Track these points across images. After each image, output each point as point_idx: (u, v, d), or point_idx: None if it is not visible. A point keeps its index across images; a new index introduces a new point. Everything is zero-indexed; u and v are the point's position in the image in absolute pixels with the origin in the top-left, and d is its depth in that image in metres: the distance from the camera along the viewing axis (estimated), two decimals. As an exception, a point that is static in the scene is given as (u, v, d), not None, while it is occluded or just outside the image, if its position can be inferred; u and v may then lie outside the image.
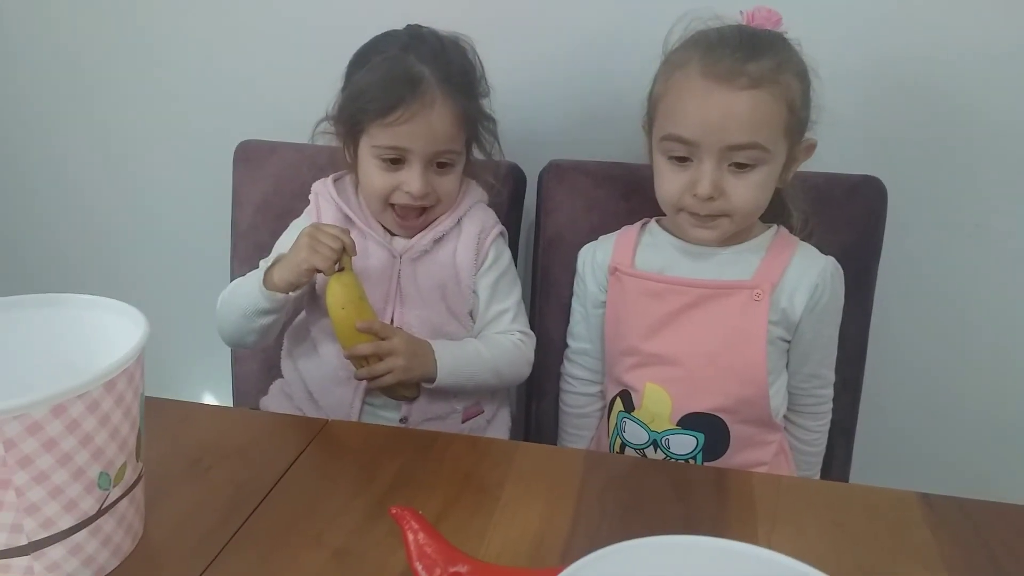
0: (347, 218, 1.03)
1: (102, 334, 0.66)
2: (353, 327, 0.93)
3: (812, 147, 0.94)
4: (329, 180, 1.06)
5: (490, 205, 1.09)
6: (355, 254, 0.94)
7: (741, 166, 0.88)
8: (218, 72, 1.35)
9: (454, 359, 0.98)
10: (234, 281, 1.04)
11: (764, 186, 0.90)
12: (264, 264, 1.06)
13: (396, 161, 0.96)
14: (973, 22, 1.08)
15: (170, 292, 1.50)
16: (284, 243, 1.06)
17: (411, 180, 0.96)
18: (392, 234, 1.04)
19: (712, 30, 0.90)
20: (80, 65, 1.40)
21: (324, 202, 1.04)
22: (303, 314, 1.08)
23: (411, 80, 0.93)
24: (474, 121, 1.01)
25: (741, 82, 0.85)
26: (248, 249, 1.22)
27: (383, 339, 0.93)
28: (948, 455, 1.28)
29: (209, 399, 1.58)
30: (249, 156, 1.24)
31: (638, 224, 1.03)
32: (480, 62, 1.02)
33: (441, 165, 0.98)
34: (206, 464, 0.75)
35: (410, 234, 1.03)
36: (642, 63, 0.96)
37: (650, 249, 1.00)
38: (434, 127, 0.94)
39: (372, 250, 1.02)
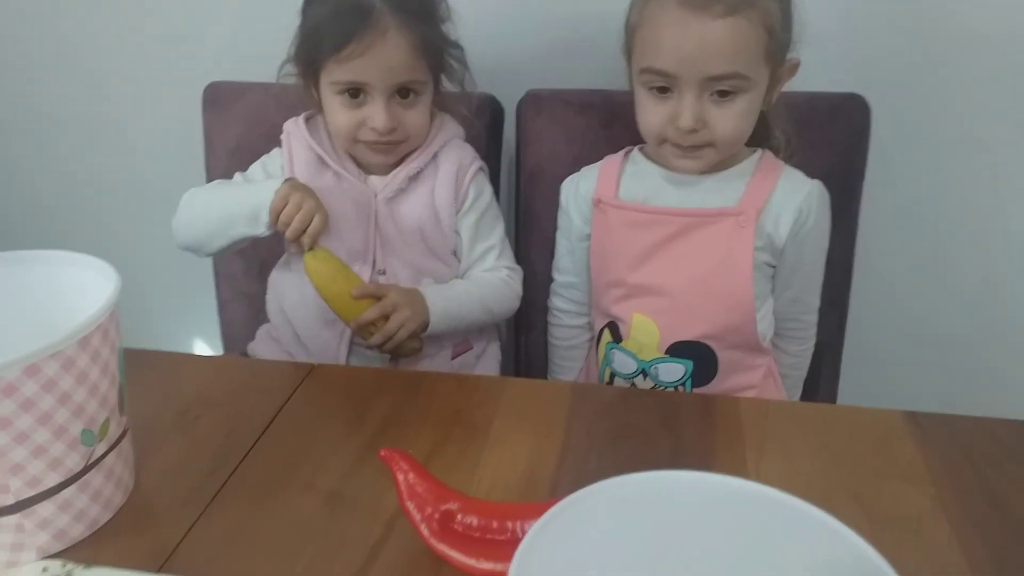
0: (319, 158, 1.00)
1: (76, 290, 0.64)
2: (349, 298, 0.92)
3: (795, 67, 0.92)
4: (300, 119, 1.03)
5: (468, 139, 1.07)
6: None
7: (723, 95, 0.86)
8: (184, 11, 1.29)
9: (445, 301, 0.97)
10: (210, 183, 1.00)
11: (747, 114, 0.88)
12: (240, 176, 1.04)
13: (356, 95, 0.93)
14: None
15: (148, 241, 1.47)
16: (257, 175, 1.04)
17: (374, 115, 0.93)
18: (367, 173, 1.02)
19: None
20: (46, 5, 1.34)
21: (296, 142, 1.02)
22: (285, 256, 1.06)
23: (361, 10, 0.89)
24: (436, 48, 0.97)
25: (717, 9, 0.82)
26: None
27: (380, 298, 0.92)
28: (934, 373, 1.30)
29: (199, 347, 1.57)
30: (218, 98, 1.21)
31: (621, 153, 1.01)
32: None
33: (405, 96, 0.95)
34: (194, 414, 0.75)
35: (385, 170, 1.01)
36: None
37: (634, 179, 0.98)
38: (390, 57, 0.91)
39: (347, 191, 1.00)
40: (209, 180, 1.21)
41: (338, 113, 0.95)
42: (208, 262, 1.22)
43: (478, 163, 1.04)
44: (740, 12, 0.82)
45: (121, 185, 1.47)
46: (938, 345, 1.28)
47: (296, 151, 1.01)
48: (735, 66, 0.84)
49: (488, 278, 1.03)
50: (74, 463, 0.58)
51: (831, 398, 1.14)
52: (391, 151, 0.98)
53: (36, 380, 0.53)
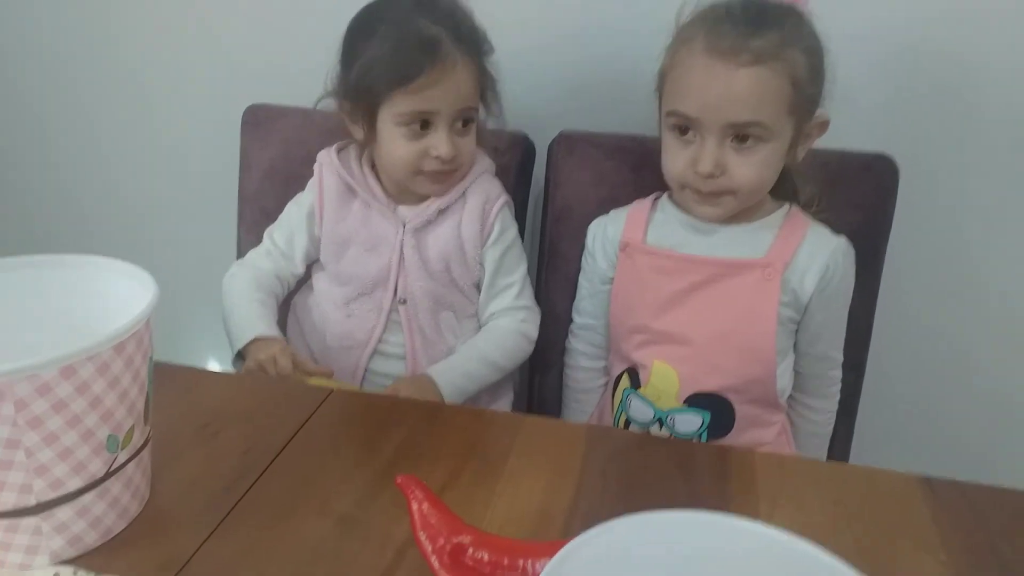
0: (349, 188, 1.03)
1: (112, 296, 0.66)
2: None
3: (825, 124, 0.93)
4: (332, 150, 1.05)
5: (498, 175, 1.09)
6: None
7: (743, 142, 0.87)
8: (227, 34, 1.33)
9: (455, 377, 0.99)
10: (230, 287, 1.04)
11: (768, 164, 0.89)
12: (269, 236, 1.08)
13: (420, 126, 0.95)
14: (993, -1, 1.06)
15: (178, 256, 1.49)
16: (291, 215, 1.07)
17: (439, 143, 0.95)
18: (395, 203, 1.03)
19: (720, 4, 0.89)
20: (93, 24, 1.38)
21: (327, 172, 1.04)
22: (309, 282, 1.08)
23: (429, 43, 0.92)
24: (485, 79, 1.00)
25: (743, 58, 0.84)
26: (255, 214, 1.22)
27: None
28: (951, 438, 1.28)
29: (216, 365, 1.58)
30: (257, 120, 1.23)
31: (650, 199, 1.02)
32: (481, 24, 1.00)
33: (461, 125, 0.97)
34: (213, 429, 0.76)
35: (415, 201, 1.03)
36: (656, 33, 0.94)
37: (662, 225, 0.99)
38: (458, 87, 0.94)
39: (375, 219, 1.02)
40: (241, 201, 1.24)
41: (400, 145, 0.96)
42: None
43: (505, 197, 1.06)
44: (766, 62, 0.84)
45: (159, 200, 1.50)
46: (956, 409, 1.27)
47: (327, 180, 1.04)
48: (757, 115, 0.85)
49: (502, 330, 1.05)
50: (96, 468, 0.58)
51: (844, 457, 1.13)
52: (448, 179, 1.00)
53: (71, 381, 0.54)
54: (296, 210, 1.07)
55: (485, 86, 1.00)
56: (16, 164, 1.55)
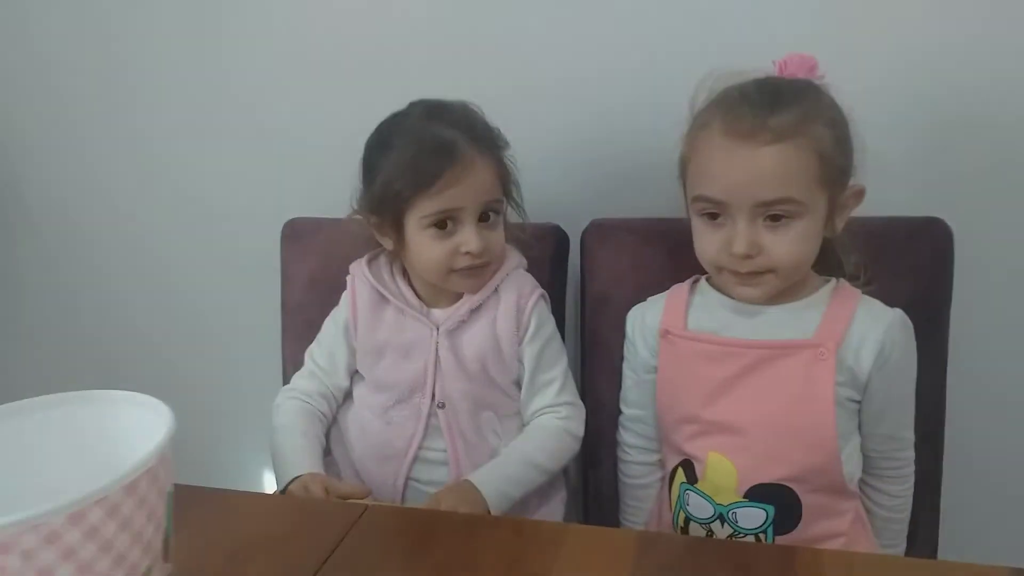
0: (381, 296, 1.03)
1: (137, 430, 0.65)
2: None
3: (861, 193, 0.89)
4: (363, 261, 1.06)
5: (532, 269, 1.07)
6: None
7: (776, 220, 0.84)
8: (263, 151, 1.37)
9: (499, 483, 0.95)
10: (275, 423, 1.04)
11: (805, 239, 0.86)
12: (310, 357, 1.09)
13: (445, 225, 0.96)
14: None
15: (225, 374, 1.51)
16: (328, 332, 1.08)
17: (468, 239, 0.95)
18: (428, 307, 1.03)
19: (734, 87, 0.88)
20: (128, 137, 1.43)
21: (359, 284, 1.05)
22: (350, 395, 1.08)
23: (446, 146, 0.94)
24: (505, 172, 1.01)
25: (764, 137, 0.82)
26: (299, 326, 1.22)
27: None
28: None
29: (268, 482, 1.57)
30: (296, 234, 1.26)
31: (688, 283, 0.99)
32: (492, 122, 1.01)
33: (486, 218, 0.98)
34: (243, 557, 0.73)
35: (449, 303, 1.02)
36: (679, 117, 0.93)
37: (702, 309, 0.95)
38: (478, 182, 0.95)
39: (409, 325, 1.01)
40: (284, 314, 1.25)
41: (429, 247, 0.97)
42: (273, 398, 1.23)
43: (539, 291, 1.04)
44: (787, 139, 0.82)
45: (195, 322, 1.52)
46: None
47: (359, 291, 1.04)
48: (785, 191, 0.82)
49: (545, 429, 1.01)
50: (113, 614, 0.56)
51: (931, 545, 1.03)
52: (481, 275, 1.00)
53: (79, 528, 0.52)
54: (332, 325, 1.08)
55: (506, 180, 1.01)
56: (46, 297, 1.58)
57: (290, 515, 0.81)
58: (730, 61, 0.89)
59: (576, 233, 1.14)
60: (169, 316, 1.53)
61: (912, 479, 0.94)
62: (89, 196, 1.50)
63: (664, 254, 1.06)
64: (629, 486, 1.04)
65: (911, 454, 0.94)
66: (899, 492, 0.94)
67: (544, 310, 1.04)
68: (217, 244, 1.45)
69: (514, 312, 1.01)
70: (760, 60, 0.89)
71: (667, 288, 1.00)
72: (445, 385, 1.00)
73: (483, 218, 0.97)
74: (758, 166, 0.82)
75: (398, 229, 0.98)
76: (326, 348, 1.08)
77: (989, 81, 1.04)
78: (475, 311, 1.01)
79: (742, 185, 0.83)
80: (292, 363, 1.22)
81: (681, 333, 0.94)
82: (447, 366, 1.00)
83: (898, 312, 0.89)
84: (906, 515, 0.96)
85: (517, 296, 1.01)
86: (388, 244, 1.02)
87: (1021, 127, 1.05)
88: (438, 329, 1.00)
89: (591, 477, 1.13)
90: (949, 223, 0.98)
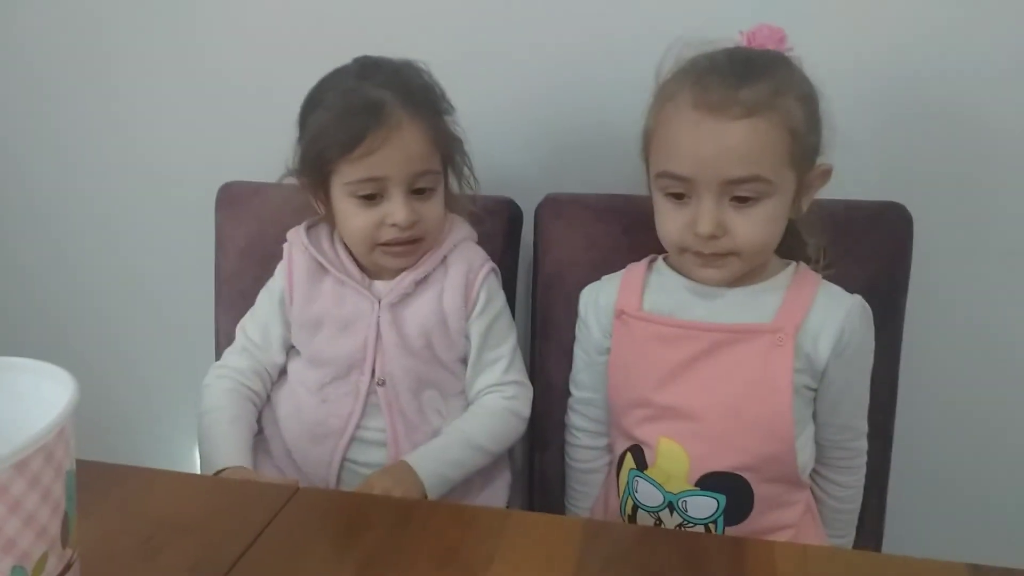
0: (320, 266, 0.97)
1: (38, 402, 0.58)
2: None
3: (828, 172, 0.86)
4: (302, 228, 1.00)
5: (484, 244, 1.02)
6: None
7: (743, 200, 0.81)
8: (199, 112, 1.29)
9: (437, 465, 0.90)
10: (204, 406, 0.97)
11: (772, 220, 0.83)
12: (243, 331, 1.02)
13: (373, 196, 0.90)
14: (998, 38, 1.01)
15: (155, 342, 1.43)
16: (262, 304, 1.02)
17: (395, 210, 0.90)
18: (371, 279, 0.97)
19: (703, 56, 0.84)
20: (56, 102, 1.35)
21: (297, 252, 0.99)
22: (285, 371, 1.02)
23: (372, 106, 0.87)
24: (446, 139, 0.95)
25: (734, 111, 0.78)
26: (233, 296, 1.16)
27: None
28: (995, 511, 1.18)
29: (187, 462, 1.50)
30: (232, 198, 1.19)
31: (644, 262, 0.95)
32: (438, 83, 0.96)
33: (420, 191, 0.92)
34: (158, 542, 0.67)
35: (391, 275, 0.96)
36: (640, 90, 0.89)
37: (659, 290, 0.92)
38: (407, 148, 0.88)
39: (348, 297, 0.95)
40: (218, 281, 1.18)
41: (354, 217, 0.91)
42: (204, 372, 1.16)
43: (489, 265, 0.99)
44: (759, 113, 0.78)
45: (126, 282, 1.44)
46: (1000, 478, 1.16)
47: (296, 260, 0.98)
48: (755, 169, 0.79)
49: (490, 409, 0.97)
50: (1, 606, 0.50)
51: (876, 538, 1.03)
52: (411, 252, 0.94)
53: (-41, 510, 0.46)
54: (267, 297, 1.01)
55: (448, 148, 0.95)
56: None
57: (213, 496, 0.75)
58: (695, 31, 0.85)
59: (530, 208, 1.09)
60: (101, 279, 1.44)
61: (864, 470, 0.93)
62: (23, 143, 1.40)
63: (620, 232, 1.02)
64: (576, 470, 1.01)
65: (864, 444, 0.92)
66: (850, 483, 0.92)
67: (494, 284, 1.00)
68: (154, 206, 1.37)
69: (462, 286, 0.96)
70: (726, 31, 0.85)
71: (622, 267, 0.97)
72: (386, 362, 0.95)
73: (418, 190, 0.92)
74: (728, 141, 0.78)
75: (326, 193, 0.93)
76: (260, 321, 1.01)
77: (959, 69, 1.03)
78: (420, 283, 0.96)
79: (710, 160, 0.79)
80: (225, 335, 1.16)
81: (636, 314, 0.90)
82: (389, 342, 0.95)
83: (858, 298, 0.87)
84: (856, 506, 0.94)
85: (467, 269, 0.97)
86: (320, 209, 0.96)
87: (987, 117, 1.04)
88: (380, 302, 0.95)
89: (537, 460, 1.10)
90: (910, 209, 0.96)
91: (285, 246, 1.01)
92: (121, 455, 0.81)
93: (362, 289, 0.96)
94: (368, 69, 0.91)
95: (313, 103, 0.92)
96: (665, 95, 0.84)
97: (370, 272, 0.98)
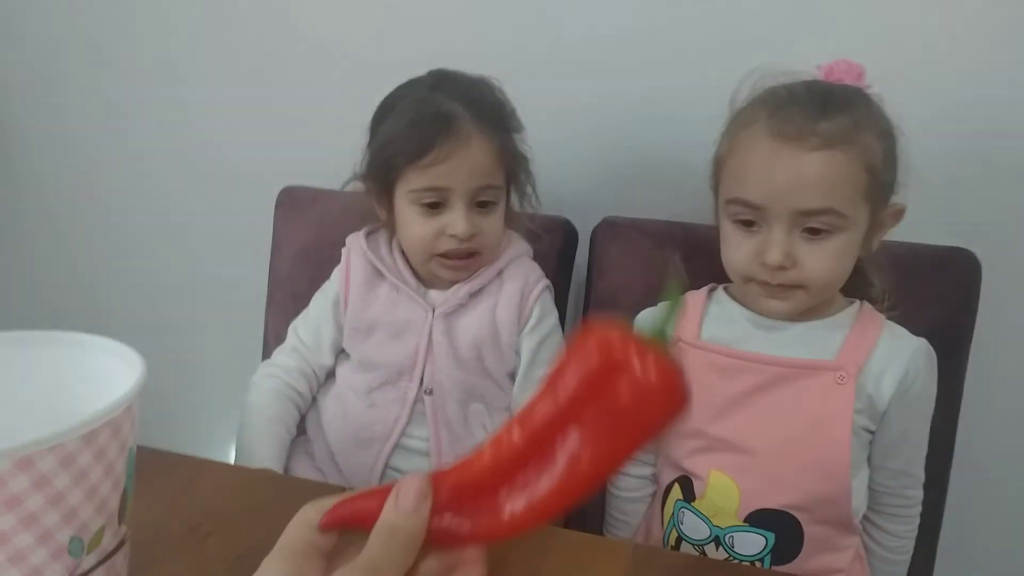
0: (377, 272, 0.97)
1: (104, 379, 0.59)
2: None
3: (900, 213, 0.85)
4: (361, 234, 1.01)
5: (537, 261, 1.02)
6: None
7: (815, 232, 0.79)
8: (264, 115, 1.32)
9: None
10: (250, 400, 0.98)
11: (843, 255, 0.81)
12: (294, 332, 1.02)
13: (436, 205, 0.91)
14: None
15: (204, 337, 1.45)
16: (316, 306, 1.02)
17: (455, 221, 0.90)
18: (427, 287, 0.98)
19: (782, 87, 0.83)
20: (122, 102, 1.39)
21: (355, 257, 0.99)
22: (333, 373, 1.02)
23: (443, 117, 0.89)
24: (512, 157, 0.95)
25: (812, 142, 0.77)
26: (285, 298, 1.17)
27: None
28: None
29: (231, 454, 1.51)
30: (292, 202, 1.20)
31: (704, 290, 0.94)
32: (509, 101, 0.96)
33: (482, 204, 0.92)
34: (205, 530, 0.67)
35: (447, 285, 0.97)
36: (705, 117, 0.89)
37: (718, 320, 0.90)
38: (473, 162, 0.89)
39: (403, 304, 0.96)
40: (271, 283, 1.19)
41: (415, 224, 0.92)
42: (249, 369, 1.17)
43: (545, 281, 0.99)
44: (837, 146, 0.77)
45: (181, 278, 1.46)
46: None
47: (354, 264, 0.99)
48: (829, 202, 0.78)
49: None
50: (55, 575, 0.50)
51: (925, 591, 0.99)
52: (467, 267, 0.95)
53: (28, 475, 0.46)
54: (321, 299, 1.02)
55: (513, 165, 0.96)
56: (39, 241, 1.53)
57: (262, 490, 0.75)
58: (770, 61, 0.85)
59: (586, 229, 1.09)
60: (158, 272, 1.47)
61: (917, 520, 0.90)
62: (92, 144, 1.44)
63: (678, 259, 1.01)
64: (619, 499, 0.98)
65: (920, 493, 0.89)
66: (903, 532, 0.89)
67: (548, 302, 0.99)
68: (216, 204, 1.39)
69: (517, 300, 0.96)
70: (803, 64, 0.85)
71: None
72: (435, 371, 0.94)
73: (480, 204, 0.92)
74: (803, 172, 0.77)
75: (389, 200, 0.94)
76: (312, 323, 1.02)
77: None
78: (475, 295, 0.96)
79: (784, 190, 0.78)
80: (273, 334, 1.17)
81: (694, 343, 0.89)
82: (440, 351, 0.94)
83: (923, 341, 0.85)
84: (907, 558, 0.91)
85: (522, 284, 0.97)
86: (382, 215, 0.97)
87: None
88: (434, 311, 0.95)
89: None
90: (978, 256, 0.94)
91: (344, 250, 1.01)
92: (160, 444, 0.82)
93: (417, 297, 0.96)
94: (442, 81, 0.93)
95: (386, 110, 0.94)
96: (741, 122, 0.84)
97: (426, 281, 0.98)
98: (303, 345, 1.01)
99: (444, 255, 0.93)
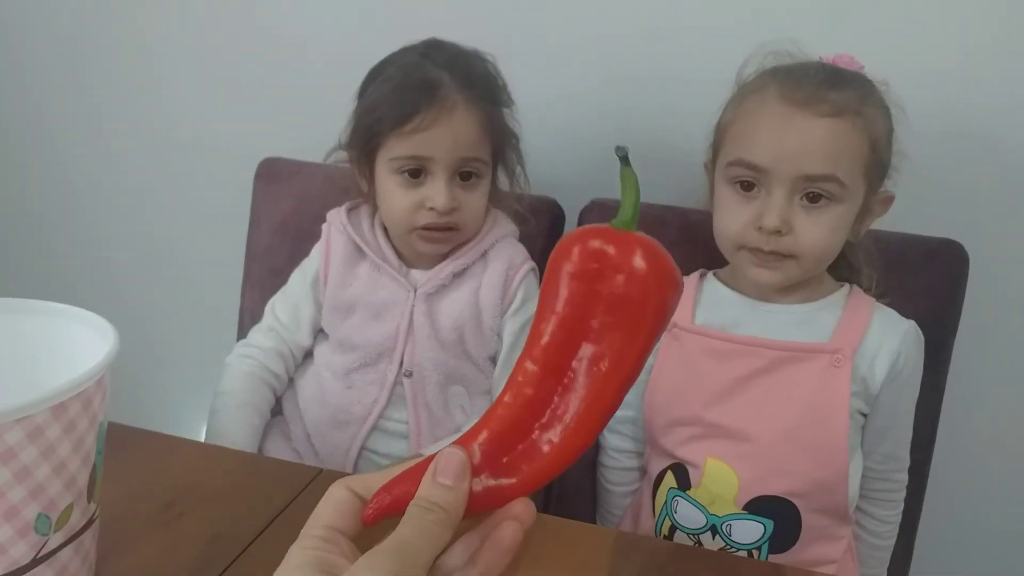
0: (358, 249, 0.95)
1: (74, 349, 0.56)
2: None
3: (889, 200, 0.85)
4: (342, 209, 0.98)
5: (523, 242, 1.00)
6: None
7: (814, 200, 0.79)
8: (245, 87, 1.28)
9: None
10: (224, 383, 0.95)
11: (836, 228, 0.81)
12: (271, 311, 1.00)
13: (417, 174, 0.89)
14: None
15: (177, 312, 1.41)
16: (294, 284, 0.99)
17: (435, 193, 0.88)
18: (409, 267, 0.96)
19: (792, 62, 0.83)
20: (92, 72, 1.35)
21: (335, 233, 0.97)
22: (312, 354, 1.00)
23: (428, 84, 0.86)
24: (499, 131, 0.93)
25: (822, 108, 0.77)
26: (262, 273, 1.14)
27: None
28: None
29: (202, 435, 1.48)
30: (272, 174, 1.17)
31: (695, 275, 0.92)
32: (501, 75, 0.95)
33: (466, 177, 0.90)
34: (178, 509, 0.65)
35: (430, 265, 0.94)
36: (697, 101, 0.88)
37: (711, 304, 0.89)
38: (456, 132, 0.87)
39: (384, 283, 0.94)
40: (248, 257, 1.16)
41: (395, 195, 0.90)
42: (223, 346, 1.14)
43: (530, 264, 0.97)
44: (846, 115, 0.77)
45: (154, 252, 1.43)
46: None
47: (335, 241, 0.97)
48: (834, 168, 0.78)
49: None
50: (20, 554, 0.48)
51: (903, 576, 1.00)
52: (447, 239, 0.92)
53: (-8, 448, 0.44)
54: (300, 277, 0.99)
55: (500, 140, 0.93)
56: (5, 211, 1.49)
57: (236, 469, 0.72)
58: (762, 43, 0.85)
59: (574, 210, 1.07)
60: (133, 242, 1.43)
61: (902, 505, 0.90)
62: (63, 115, 1.40)
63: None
64: (613, 494, 0.97)
65: (905, 477, 0.90)
66: (888, 517, 0.89)
67: (533, 285, 0.97)
68: (192, 176, 1.36)
69: (501, 282, 0.94)
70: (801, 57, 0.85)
71: (667, 279, 0.94)
72: (416, 352, 0.92)
73: (463, 177, 0.90)
74: (812, 135, 0.77)
75: (371, 170, 0.92)
76: (290, 301, 0.99)
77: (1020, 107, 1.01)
78: (458, 276, 0.94)
79: (791, 153, 0.78)
80: (249, 311, 1.14)
81: (689, 327, 0.87)
82: (420, 332, 0.92)
83: (912, 323, 0.85)
84: (891, 543, 0.91)
85: (507, 266, 0.95)
86: (364, 185, 0.95)
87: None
88: (415, 291, 0.93)
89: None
90: (967, 248, 0.94)
91: (324, 226, 0.99)
92: (131, 421, 0.79)
93: (399, 276, 0.94)
94: (432, 49, 0.91)
95: (374, 75, 0.92)
96: (750, 88, 0.84)
97: (408, 260, 0.96)
98: (280, 324, 0.99)
99: (423, 228, 0.90)
